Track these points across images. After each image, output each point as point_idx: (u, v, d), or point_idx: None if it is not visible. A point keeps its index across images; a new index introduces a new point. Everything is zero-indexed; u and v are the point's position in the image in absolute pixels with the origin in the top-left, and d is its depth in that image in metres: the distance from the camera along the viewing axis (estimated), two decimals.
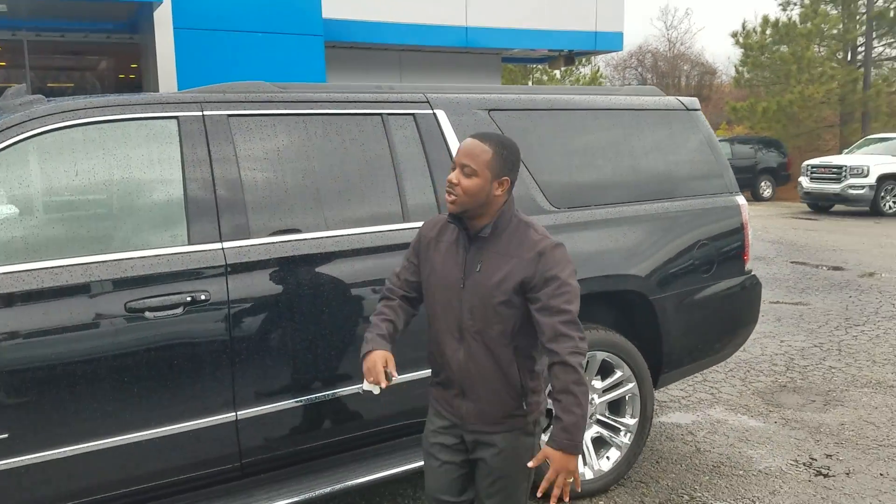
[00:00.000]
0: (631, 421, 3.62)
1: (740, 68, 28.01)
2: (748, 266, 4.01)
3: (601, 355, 3.50)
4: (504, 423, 2.29)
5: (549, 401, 2.23)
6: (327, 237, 2.97)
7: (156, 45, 8.96)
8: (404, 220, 3.15)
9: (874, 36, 24.70)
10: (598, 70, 36.30)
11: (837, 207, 17.43)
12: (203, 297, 2.71)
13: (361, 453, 3.16)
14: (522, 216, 2.30)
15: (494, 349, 2.25)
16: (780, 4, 28.19)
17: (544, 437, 2.54)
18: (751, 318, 4.11)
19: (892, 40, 25.96)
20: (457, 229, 2.32)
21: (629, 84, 40.09)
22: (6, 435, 2.46)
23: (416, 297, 2.48)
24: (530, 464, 2.24)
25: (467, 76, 13.99)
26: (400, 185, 3.17)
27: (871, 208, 16.51)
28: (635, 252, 3.59)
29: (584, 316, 2.41)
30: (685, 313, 3.77)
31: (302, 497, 2.89)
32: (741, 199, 4.03)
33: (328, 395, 2.96)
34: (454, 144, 3.31)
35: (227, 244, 2.80)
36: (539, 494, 2.18)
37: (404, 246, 3.00)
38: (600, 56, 32.51)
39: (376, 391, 2.29)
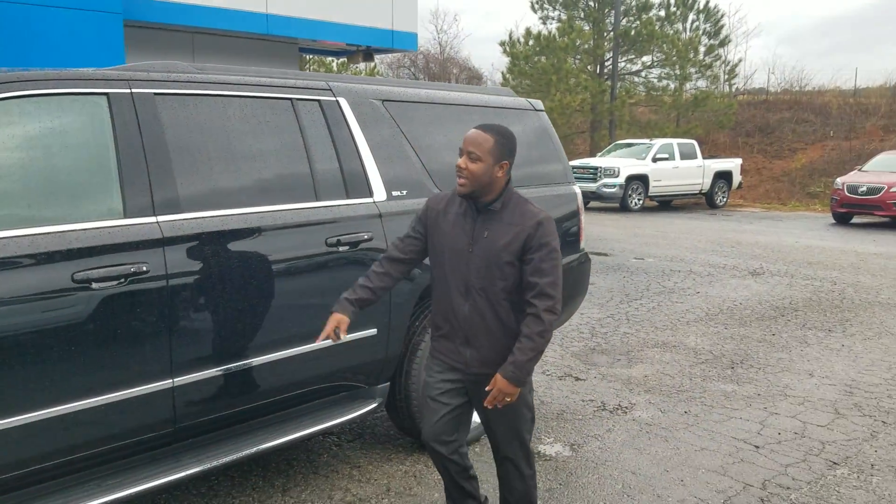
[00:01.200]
0: None
1: (507, 75, 30.31)
2: (582, 244, 4.75)
3: None
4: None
5: None
6: (251, 213, 3.16)
7: None
8: (316, 199, 3.41)
9: (619, 52, 28.00)
10: (374, 67, 37.13)
11: (593, 204, 19.68)
12: (144, 269, 2.79)
13: (283, 416, 3.39)
14: (517, 193, 2.76)
15: (496, 303, 2.70)
16: (540, 18, 31.01)
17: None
18: (583, 290, 4.86)
19: (633, 56, 29.63)
20: (463, 203, 2.77)
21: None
22: None
23: (413, 259, 2.91)
24: (487, 401, 2.68)
25: (264, 64, 13.86)
26: (311, 165, 3.43)
27: (620, 204, 18.92)
28: None
29: None
30: None
31: (227, 459, 3.07)
32: (577, 188, 4.75)
33: (255, 362, 3.15)
34: (355, 129, 3.63)
35: (160, 218, 2.89)
36: (488, 405, 2.67)
37: (311, 224, 3.30)
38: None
39: (327, 344, 2.74)
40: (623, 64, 29.58)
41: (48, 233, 2.61)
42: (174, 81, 3.08)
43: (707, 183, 20.71)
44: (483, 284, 2.71)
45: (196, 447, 3.09)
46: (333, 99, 3.61)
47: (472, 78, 46.67)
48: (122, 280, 2.73)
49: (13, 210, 2.61)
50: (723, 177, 21.29)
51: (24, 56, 8.82)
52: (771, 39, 49.56)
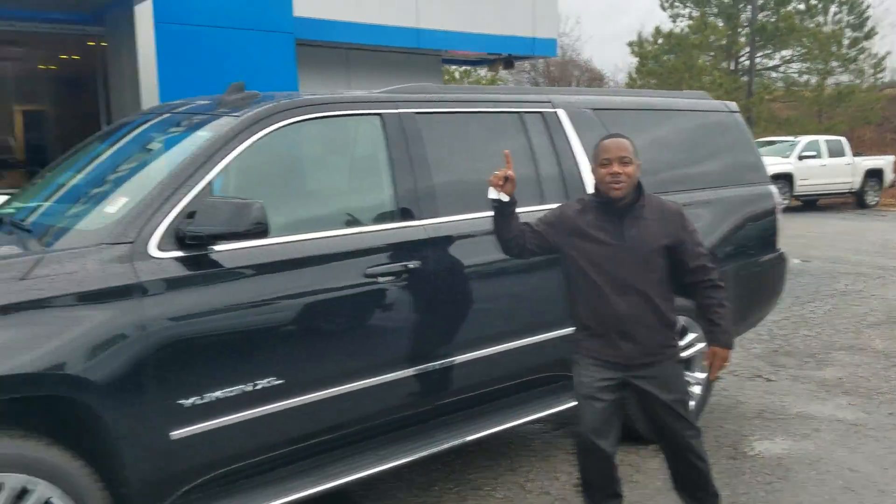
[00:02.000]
0: None
1: (634, 76, 29.89)
2: (779, 244, 4.78)
3: None
4: (661, 354, 2.95)
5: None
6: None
7: (136, 40, 8.90)
8: (542, 202, 3.68)
9: (756, 47, 27.03)
10: (496, 74, 37.53)
11: None
12: (412, 266, 3.14)
13: (510, 401, 3.68)
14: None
15: (652, 295, 2.91)
16: (669, 17, 30.38)
17: None
18: (780, 289, 4.89)
19: (770, 51, 28.53)
20: (596, 208, 2.97)
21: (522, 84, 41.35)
22: (282, 381, 2.81)
23: (535, 246, 3.04)
24: (711, 374, 3.05)
25: (410, 76, 14.43)
26: (537, 171, 3.70)
27: None
28: None
29: None
30: None
31: (471, 437, 3.38)
32: (774, 188, 4.80)
33: (495, 349, 3.45)
34: (572, 136, 3.87)
35: (425, 221, 3.24)
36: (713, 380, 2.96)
37: None
38: None
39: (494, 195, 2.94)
40: (759, 59, 28.52)
41: (348, 234, 3.02)
42: (429, 101, 3.44)
43: (857, 181, 19.70)
44: (638, 280, 2.90)
45: (446, 425, 3.42)
46: (553, 111, 3.88)
47: (594, 80, 46.18)
48: (399, 275, 3.09)
49: (321, 213, 3.03)
50: (874, 175, 20.19)
51: (211, 75, 9.65)
52: None
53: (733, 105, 4.82)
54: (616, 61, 69.51)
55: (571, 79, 46.97)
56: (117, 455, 2.52)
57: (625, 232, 2.92)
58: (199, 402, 2.65)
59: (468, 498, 3.62)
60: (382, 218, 3.18)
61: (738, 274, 4.43)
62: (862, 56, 29.01)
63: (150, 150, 3.28)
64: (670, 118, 4.42)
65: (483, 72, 36.55)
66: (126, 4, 8.94)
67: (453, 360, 3.31)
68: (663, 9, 30.56)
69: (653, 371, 2.94)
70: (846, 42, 28.25)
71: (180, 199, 2.68)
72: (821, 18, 28.67)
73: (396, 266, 3.10)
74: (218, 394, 2.69)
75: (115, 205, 2.75)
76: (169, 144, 3.22)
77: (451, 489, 3.70)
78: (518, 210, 3.39)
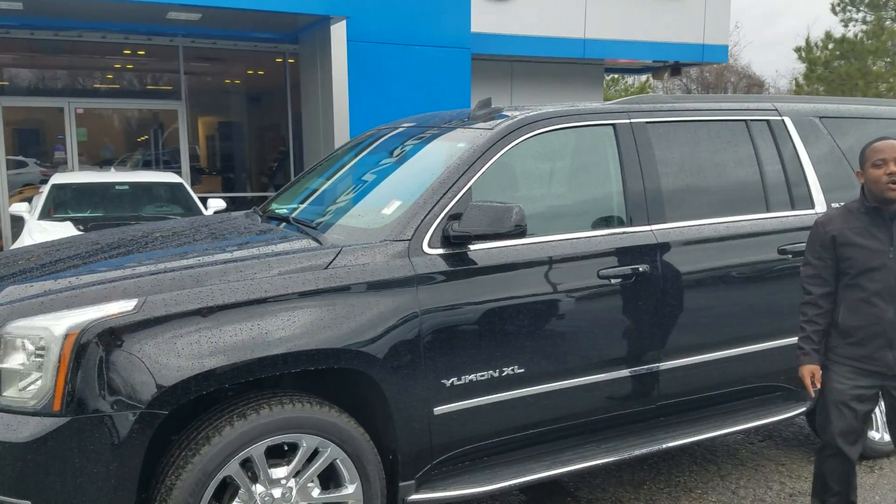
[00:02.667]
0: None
1: (802, 82, 28.40)
2: None
3: None
4: None
5: None
6: (718, 223, 3.56)
7: (331, 57, 9.63)
8: (767, 210, 3.74)
9: None
10: (646, 80, 36.80)
11: None
12: (642, 269, 3.31)
13: (726, 407, 3.75)
14: None
15: None
16: (841, 21, 28.62)
17: None
18: None
19: None
20: (864, 213, 2.94)
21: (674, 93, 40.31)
22: (523, 370, 3.07)
23: (833, 289, 3.01)
24: None
25: (572, 85, 14.58)
26: (763, 179, 3.77)
27: None
28: None
29: None
30: None
31: (687, 440, 3.49)
32: None
33: (716, 355, 3.54)
34: (798, 145, 3.89)
35: (654, 227, 3.40)
36: None
37: (766, 233, 3.61)
38: None
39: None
40: None
41: (583, 237, 3.23)
42: (660, 111, 3.59)
43: None
44: None
45: (666, 426, 3.55)
46: (779, 118, 3.92)
47: (753, 86, 44.18)
48: (629, 278, 3.27)
49: (561, 217, 3.27)
50: None
51: (395, 89, 10.26)
52: None
53: None
54: (777, 66, 65.96)
55: (728, 85, 45.19)
56: (392, 425, 2.85)
57: (894, 238, 2.91)
58: (458, 382, 2.95)
59: (681, 499, 3.72)
60: (615, 222, 3.37)
61: None
62: None
63: (408, 159, 3.64)
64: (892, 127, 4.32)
65: (630, 79, 36.09)
66: (323, 24, 9.68)
67: (678, 363, 3.44)
68: (834, 13, 28.82)
69: None
70: None
71: (448, 203, 2.99)
72: None
73: (626, 269, 3.28)
74: (473, 376, 2.98)
75: (391, 207, 3.11)
76: (426, 154, 3.57)
77: (662, 489, 3.82)
78: (740, 217, 3.50)
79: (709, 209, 3.58)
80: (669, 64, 14.62)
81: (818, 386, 3.03)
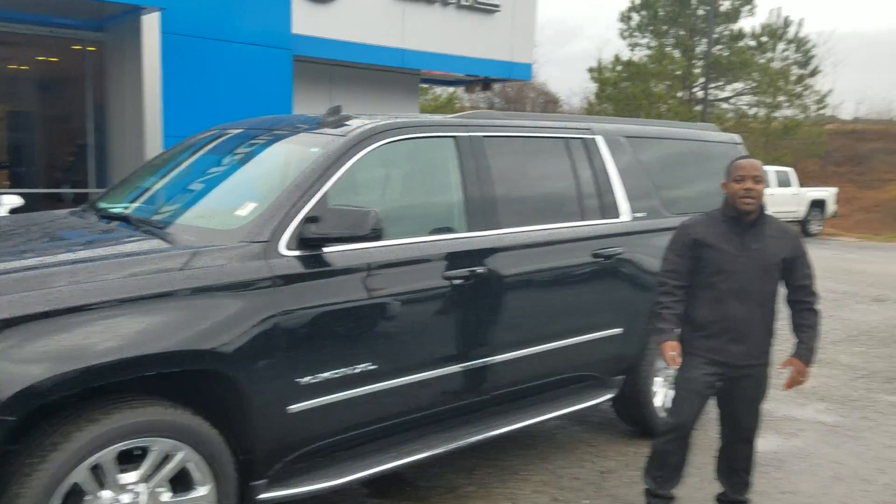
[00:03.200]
0: None
1: (594, 101, 30.95)
2: None
3: None
4: (761, 358, 3.38)
5: None
6: (543, 230, 3.93)
7: (142, 49, 9.16)
8: (582, 219, 4.18)
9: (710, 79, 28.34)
10: (453, 92, 38.28)
11: None
12: (479, 271, 3.59)
13: (543, 397, 4.13)
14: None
15: (764, 304, 3.34)
16: (628, 45, 31.56)
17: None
18: None
19: (722, 83, 29.92)
20: (724, 221, 3.36)
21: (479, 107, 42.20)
22: (375, 366, 3.22)
23: (686, 284, 3.41)
24: (785, 381, 3.42)
25: (390, 93, 14.92)
26: (579, 191, 4.20)
27: None
28: None
29: None
30: None
31: (515, 426, 3.84)
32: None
33: (538, 349, 3.90)
34: (608, 161, 4.37)
35: (490, 232, 3.69)
36: (785, 389, 3.40)
37: (582, 239, 4.05)
38: None
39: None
40: (712, 90, 29.86)
41: (429, 241, 3.44)
42: (493, 126, 3.90)
43: (802, 211, 20.90)
44: (757, 288, 3.30)
45: (496, 415, 3.86)
46: (592, 136, 4.38)
47: (549, 102, 47.29)
48: (470, 279, 3.53)
49: (406, 222, 3.45)
50: (818, 205, 21.44)
51: (212, 86, 9.94)
52: (856, 69, 48.96)
53: (737, 137, 5.40)
54: (571, 85, 71.17)
55: (527, 100, 48.03)
56: (248, 425, 2.89)
57: (749, 244, 3.30)
58: (313, 380, 3.04)
59: (508, 480, 4.06)
60: (457, 228, 3.62)
61: None
62: (807, 92, 30.68)
63: (257, 160, 3.66)
64: (687, 146, 4.98)
65: (439, 90, 37.39)
66: (134, 14, 9.19)
67: (509, 356, 3.75)
68: (622, 37, 31.74)
69: (751, 371, 3.36)
70: (793, 78, 29.85)
71: (305, 206, 3.08)
72: (770, 54, 30.24)
73: (467, 271, 3.53)
74: (327, 374, 3.08)
75: (245, 209, 3.13)
76: (277, 156, 3.62)
77: (491, 473, 4.14)
78: (561, 225, 3.90)
79: (535, 217, 3.94)
80: (481, 78, 15.39)
81: (679, 360, 3.35)
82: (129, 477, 2.65)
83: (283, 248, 2.99)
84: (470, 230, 3.63)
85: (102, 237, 3.25)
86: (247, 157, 3.70)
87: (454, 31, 14.07)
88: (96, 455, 2.52)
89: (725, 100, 30.65)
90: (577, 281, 4.09)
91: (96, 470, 2.56)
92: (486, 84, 15.58)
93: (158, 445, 2.68)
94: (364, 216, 2.98)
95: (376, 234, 3.02)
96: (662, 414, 4.61)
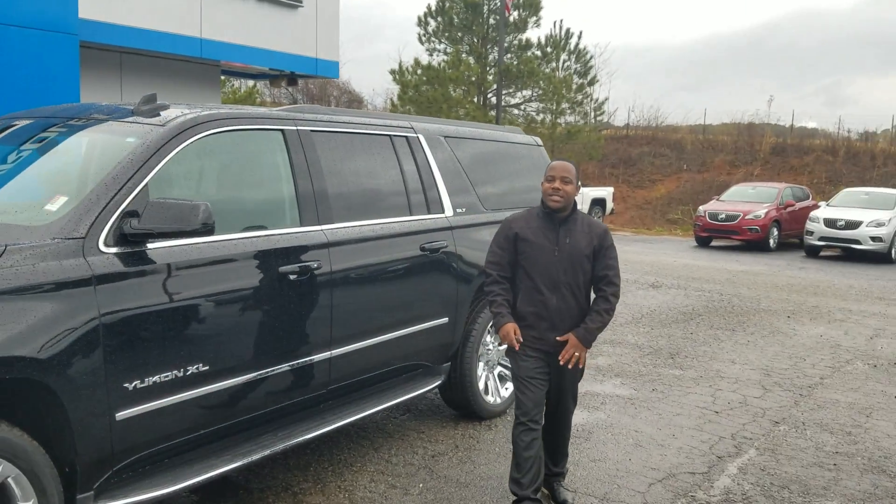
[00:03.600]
0: None
1: (396, 102, 31.46)
2: None
3: None
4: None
5: None
6: (375, 224, 4.00)
7: None
8: (410, 214, 4.29)
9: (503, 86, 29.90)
10: (254, 86, 37.21)
11: None
12: (315, 266, 3.57)
13: (380, 387, 4.21)
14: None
15: (577, 293, 3.56)
16: (426, 50, 32.41)
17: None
18: None
19: (512, 90, 31.65)
20: (540, 217, 3.59)
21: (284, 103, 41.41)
22: (207, 367, 3.10)
23: (509, 275, 3.61)
24: (561, 357, 3.51)
25: (189, 84, 14.21)
26: (406, 187, 4.31)
27: None
28: None
29: None
30: None
31: (353, 418, 3.88)
32: None
33: (376, 339, 3.97)
34: (430, 159, 4.53)
35: (324, 227, 3.68)
36: (561, 362, 3.50)
37: (411, 233, 4.17)
38: None
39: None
40: (504, 97, 31.51)
41: (261, 236, 3.37)
42: (321, 121, 3.89)
43: (585, 209, 22.72)
44: (568, 279, 3.52)
45: (331, 409, 3.87)
46: (416, 135, 4.51)
47: (353, 101, 47.37)
48: (306, 273, 3.50)
49: (236, 216, 3.34)
50: (598, 203, 23.44)
51: None
52: (627, 79, 54.04)
53: (538, 140, 5.80)
54: (374, 85, 71.82)
55: (331, 99, 47.79)
56: (71, 435, 2.67)
57: (561, 239, 3.53)
58: (141, 385, 2.88)
59: (344, 473, 4.07)
60: (288, 223, 3.57)
61: None
62: (586, 100, 33.32)
63: (60, 151, 3.36)
64: (496, 146, 5.26)
65: (238, 83, 36.14)
66: None
67: (345, 349, 3.77)
68: (421, 42, 32.51)
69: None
70: (574, 87, 32.27)
71: (124, 199, 2.89)
72: (554, 64, 32.45)
73: (302, 266, 3.50)
74: (157, 378, 2.93)
75: (56, 203, 2.88)
76: (85, 147, 3.34)
77: (326, 468, 4.13)
78: (393, 219, 4.00)
79: (366, 212, 3.99)
80: (286, 73, 15.11)
81: (520, 339, 3.51)
82: None
83: (102, 245, 2.79)
84: (302, 225, 3.60)
85: None
86: (46, 148, 3.40)
87: (256, 24, 13.69)
88: None
89: (516, 106, 32.44)
90: (408, 274, 4.20)
91: None
92: (293, 79, 15.31)
93: None
94: (192, 210, 2.85)
95: (207, 229, 2.91)
96: (486, 396, 4.88)
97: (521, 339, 3.54)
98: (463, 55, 30.75)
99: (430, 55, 32.23)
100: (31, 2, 9.44)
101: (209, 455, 3.25)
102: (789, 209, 18.83)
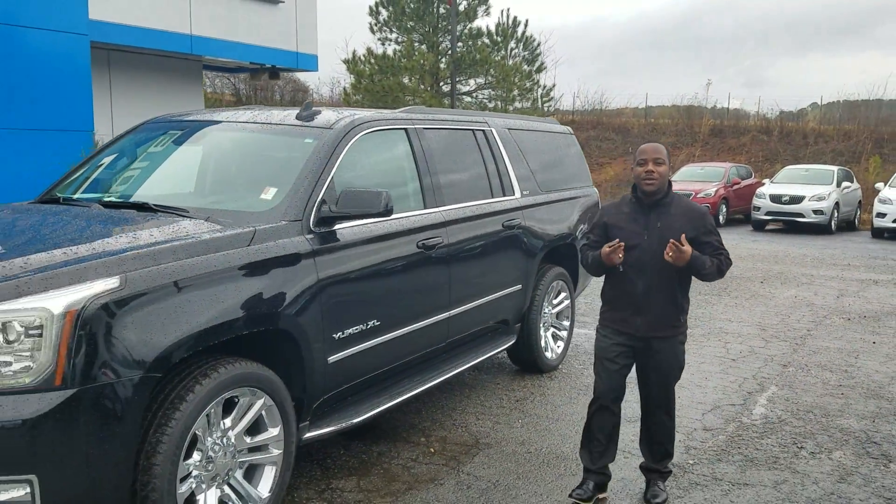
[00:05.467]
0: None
1: (350, 91, 31.85)
2: None
3: None
4: (665, 331, 3.51)
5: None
6: (472, 205, 4.74)
7: None
8: (492, 196, 5.05)
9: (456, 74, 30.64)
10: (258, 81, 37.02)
11: None
12: (439, 240, 4.31)
13: (476, 342, 4.98)
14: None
15: (667, 279, 3.45)
16: (378, 39, 32.90)
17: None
18: None
19: (464, 78, 32.43)
20: (631, 203, 3.56)
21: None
22: (379, 323, 3.81)
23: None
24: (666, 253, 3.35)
25: (173, 79, 14.55)
26: (488, 171, 5.07)
27: None
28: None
29: None
30: None
31: (461, 368, 4.64)
32: (596, 190, 6.68)
33: (481, 300, 4.74)
34: (502, 149, 5.29)
35: (440, 209, 4.42)
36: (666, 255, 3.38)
37: (498, 213, 4.94)
38: None
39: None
40: (457, 84, 32.26)
41: (404, 216, 4.08)
42: (428, 120, 4.62)
43: None
44: (658, 263, 3.40)
45: (444, 361, 4.62)
46: (490, 129, 5.26)
47: (298, 90, 47.19)
48: (433, 247, 4.23)
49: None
50: None
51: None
52: (570, 63, 55.47)
53: (569, 129, 6.61)
54: (320, 74, 71.39)
55: (276, 88, 47.50)
56: (302, 375, 3.37)
57: (651, 223, 3.45)
58: (342, 336, 3.58)
59: (452, 415, 4.81)
60: (417, 205, 4.28)
61: None
62: (535, 87, 34.36)
63: (250, 151, 4.02)
64: (542, 136, 6.05)
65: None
66: None
67: (460, 309, 4.53)
68: (372, 31, 32.95)
69: (656, 344, 3.50)
70: (523, 74, 33.26)
71: (321, 189, 3.58)
72: (503, 52, 33.36)
73: (432, 240, 4.23)
74: (351, 330, 3.64)
75: (268, 193, 3.55)
76: (270, 146, 4.03)
77: (436, 412, 4.85)
78: (483, 202, 4.75)
79: (464, 195, 4.74)
80: (267, 67, 15.53)
81: (620, 250, 3.40)
82: (227, 422, 3.03)
83: (312, 226, 3.48)
84: (425, 207, 4.33)
85: (142, 222, 3.41)
86: (236, 148, 4.04)
87: (240, 20, 14.12)
88: (210, 405, 2.89)
89: (468, 93, 33.23)
90: (496, 247, 4.96)
91: (208, 418, 2.92)
92: (274, 73, 15.75)
93: (246, 394, 3.09)
94: (377, 196, 3.55)
95: (388, 211, 3.61)
96: (546, 352, 5.69)
97: (621, 254, 3.42)
98: (415, 44, 31.35)
99: (383, 44, 32.74)
100: (43, 3, 9.75)
101: (377, 394, 3.98)
102: (735, 187, 20.23)
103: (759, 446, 4.41)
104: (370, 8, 33.01)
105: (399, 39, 32.20)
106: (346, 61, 30.90)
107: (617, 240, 3.46)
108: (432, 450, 4.27)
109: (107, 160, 4.25)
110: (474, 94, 33.44)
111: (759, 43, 69.12)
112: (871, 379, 5.79)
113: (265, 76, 15.84)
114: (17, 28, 9.38)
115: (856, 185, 20.04)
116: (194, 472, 2.92)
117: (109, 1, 12.01)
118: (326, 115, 4.06)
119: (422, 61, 29.87)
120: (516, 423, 4.71)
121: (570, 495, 3.65)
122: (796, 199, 17.82)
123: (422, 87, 30.95)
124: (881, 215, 16.72)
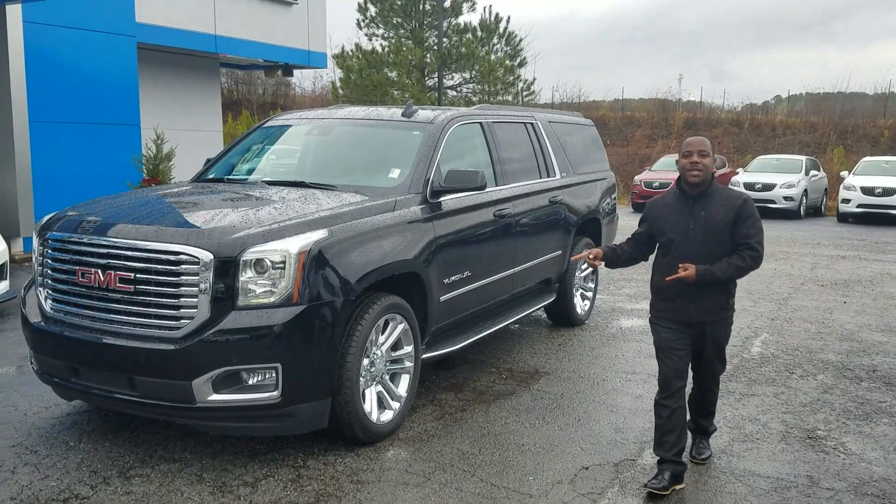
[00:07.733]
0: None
1: (339, 86, 32.73)
2: (611, 210, 7.82)
3: None
4: (718, 314, 3.67)
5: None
6: (528, 184, 5.87)
7: (7, 39, 9.19)
8: (540, 177, 6.18)
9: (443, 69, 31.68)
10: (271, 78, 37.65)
11: None
12: (507, 211, 5.43)
13: (527, 297, 6.11)
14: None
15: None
16: (366, 35, 33.81)
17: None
18: (614, 238, 7.95)
19: (451, 72, 33.49)
20: (676, 194, 3.69)
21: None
22: (470, 273, 4.92)
23: (645, 247, 3.88)
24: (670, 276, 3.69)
25: (193, 75, 15.45)
26: (537, 158, 6.20)
27: None
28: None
29: None
30: None
31: (518, 316, 5.77)
32: (614, 175, 7.83)
33: (534, 262, 5.87)
34: (546, 138, 6.42)
35: (506, 185, 5.54)
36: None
37: (547, 190, 6.07)
38: None
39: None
40: (444, 79, 33.31)
41: (487, 191, 5.18)
42: (497, 115, 5.74)
43: None
44: (704, 253, 3.54)
45: (506, 310, 5.75)
46: (536, 122, 6.39)
47: (280, 84, 47.97)
48: (504, 217, 5.35)
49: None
50: None
51: (62, 69, 10.09)
52: (549, 57, 56.66)
53: (590, 120, 7.74)
54: (303, 69, 72.05)
55: (258, 81, 48.06)
56: (426, 308, 4.48)
57: (696, 212, 3.56)
58: (448, 281, 4.69)
59: (506, 357, 5.93)
60: (490, 182, 5.39)
61: (608, 224, 7.38)
62: (517, 81, 35.52)
63: (374, 140, 5.14)
64: (571, 127, 7.19)
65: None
66: None
67: (521, 267, 5.66)
68: (360, 27, 33.84)
69: (710, 329, 3.67)
70: (506, 69, 34.41)
71: (432, 169, 4.68)
72: (486, 48, 34.47)
73: (504, 210, 5.35)
74: (454, 277, 4.75)
75: (394, 173, 4.66)
76: (389, 137, 5.15)
77: (486, 358, 5.97)
78: (535, 181, 5.89)
79: (522, 175, 5.86)
80: (281, 65, 16.49)
81: (592, 256, 3.90)
82: (381, 339, 4.13)
83: (427, 197, 4.58)
84: (497, 185, 5.44)
85: (306, 195, 4.44)
86: (360, 139, 5.18)
87: (259, 20, 15.09)
88: (376, 324, 3.99)
89: (453, 87, 34.30)
90: (545, 218, 6.10)
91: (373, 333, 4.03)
92: (288, 70, 16.70)
93: (395, 318, 4.19)
94: (475, 175, 4.66)
95: (483, 187, 4.72)
96: (577, 309, 6.84)
97: (593, 257, 3.90)
98: (403, 39, 32.32)
99: (370, 40, 33.66)
100: (92, 6, 10.67)
101: (465, 330, 5.10)
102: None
103: (759, 372, 5.60)
104: (359, 4, 33.85)
105: (386, 35, 33.16)
106: (335, 57, 31.82)
107: (594, 254, 3.90)
108: (504, 375, 5.40)
109: (240, 153, 5.33)
110: (458, 89, 34.56)
111: (724, 37, 71.29)
112: (843, 328, 7.03)
113: (279, 73, 16.74)
114: (74, 30, 10.30)
115: (822, 173, 21.49)
116: (363, 373, 4.01)
117: (142, 4, 12.88)
118: (425, 113, 5.17)
119: (409, 56, 30.86)
120: (564, 358, 5.86)
121: (646, 485, 3.61)
122: (768, 187, 19.17)
123: (408, 81, 31.97)
124: (846, 201, 18.16)
